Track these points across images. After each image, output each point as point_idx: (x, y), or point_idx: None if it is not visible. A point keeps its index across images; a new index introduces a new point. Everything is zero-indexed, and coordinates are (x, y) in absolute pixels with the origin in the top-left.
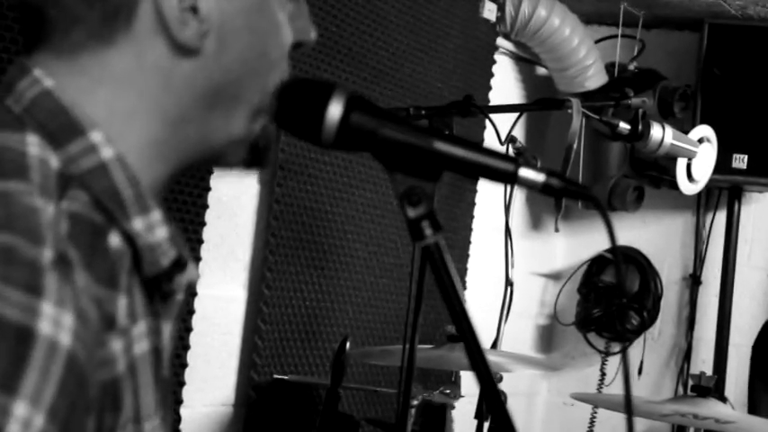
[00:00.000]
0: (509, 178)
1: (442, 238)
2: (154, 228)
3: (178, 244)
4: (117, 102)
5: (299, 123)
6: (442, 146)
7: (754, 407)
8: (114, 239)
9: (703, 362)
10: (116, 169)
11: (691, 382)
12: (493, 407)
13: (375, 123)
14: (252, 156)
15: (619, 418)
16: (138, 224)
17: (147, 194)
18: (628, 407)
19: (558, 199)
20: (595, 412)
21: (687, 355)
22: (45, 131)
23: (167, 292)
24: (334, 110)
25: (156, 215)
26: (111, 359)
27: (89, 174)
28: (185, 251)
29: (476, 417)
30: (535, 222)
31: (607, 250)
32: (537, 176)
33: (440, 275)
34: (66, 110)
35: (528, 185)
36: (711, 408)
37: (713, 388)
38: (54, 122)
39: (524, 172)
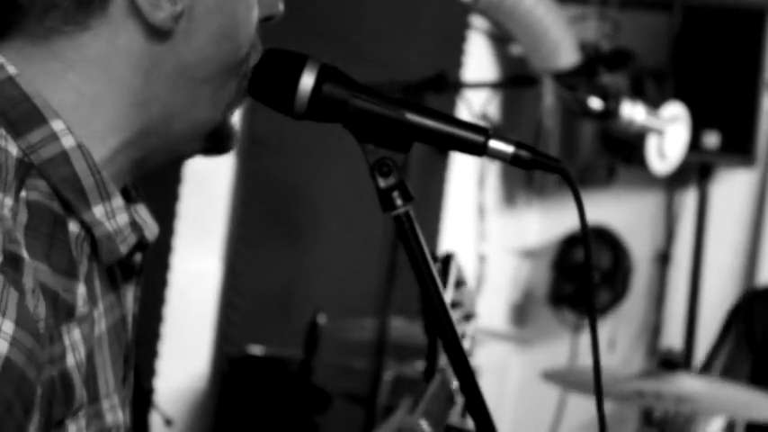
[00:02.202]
0: (479, 149)
1: (413, 209)
2: (115, 214)
3: (141, 227)
4: (86, 85)
5: (272, 94)
6: (412, 117)
7: (709, 368)
8: (74, 228)
9: (673, 337)
10: (77, 158)
11: (659, 357)
12: (463, 381)
13: (346, 94)
14: (212, 143)
15: (591, 389)
16: (98, 211)
17: (110, 181)
18: (597, 385)
19: (528, 171)
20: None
21: (657, 331)
22: (6, 119)
23: (128, 264)
24: (307, 80)
25: (118, 201)
26: (62, 353)
27: (49, 163)
28: (151, 229)
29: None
30: (509, 199)
31: (580, 225)
32: (506, 148)
33: (410, 245)
34: (29, 97)
35: (498, 157)
36: (677, 382)
37: (682, 362)
38: (15, 111)
39: (494, 143)
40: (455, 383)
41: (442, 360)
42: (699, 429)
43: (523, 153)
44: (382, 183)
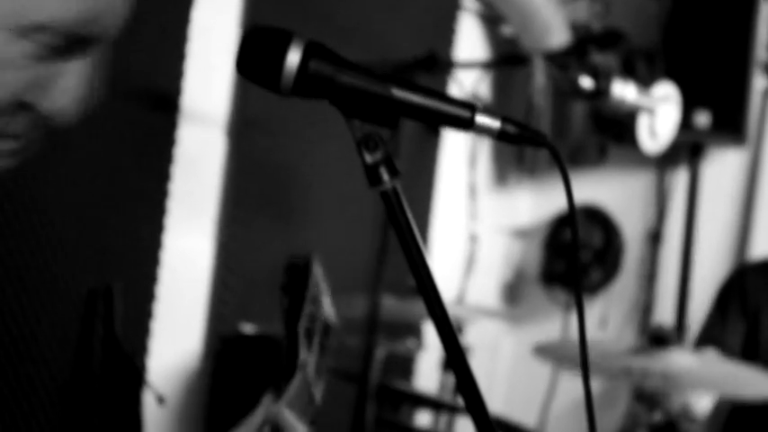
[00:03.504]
0: (466, 124)
1: (400, 185)
2: None
3: None
4: None
5: (259, 70)
6: (399, 92)
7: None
8: None
9: (664, 315)
10: None
11: (650, 333)
12: (452, 356)
13: (333, 70)
14: None
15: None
16: None
17: None
18: (584, 365)
19: (519, 150)
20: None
21: (648, 309)
22: None
23: None
24: (293, 57)
25: None
26: None
27: None
28: None
29: (444, 368)
30: (500, 179)
31: (566, 197)
32: (493, 123)
33: (397, 221)
34: None
35: (485, 132)
36: (667, 358)
37: (673, 339)
38: None
39: (481, 118)
40: (317, 390)
41: (303, 356)
42: (689, 405)
43: (510, 128)
44: (369, 158)
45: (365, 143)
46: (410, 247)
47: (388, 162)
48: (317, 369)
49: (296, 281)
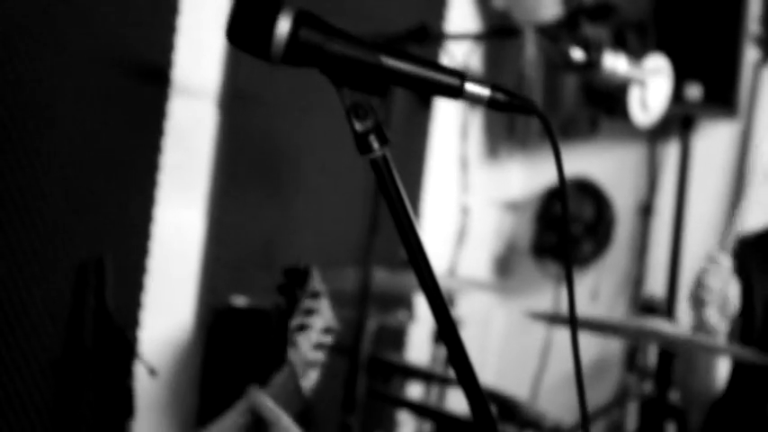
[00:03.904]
0: (455, 92)
1: (390, 153)
2: None
3: None
4: None
5: (249, 39)
6: (388, 61)
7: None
8: None
9: (655, 287)
10: None
11: (641, 303)
12: (443, 328)
13: (322, 39)
14: None
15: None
16: None
17: None
18: (573, 334)
19: (510, 123)
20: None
21: (639, 281)
22: None
23: None
24: (283, 25)
25: None
26: None
27: None
28: None
29: (436, 340)
30: (492, 151)
31: (555, 165)
32: (482, 90)
33: (387, 190)
34: None
35: (474, 100)
36: (657, 324)
37: (664, 311)
38: None
39: (470, 86)
40: (307, 380)
41: (292, 354)
42: (710, 368)
43: (500, 96)
44: (359, 126)
45: (355, 111)
46: (401, 217)
47: (378, 130)
48: (310, 364)
49: (293, 282)
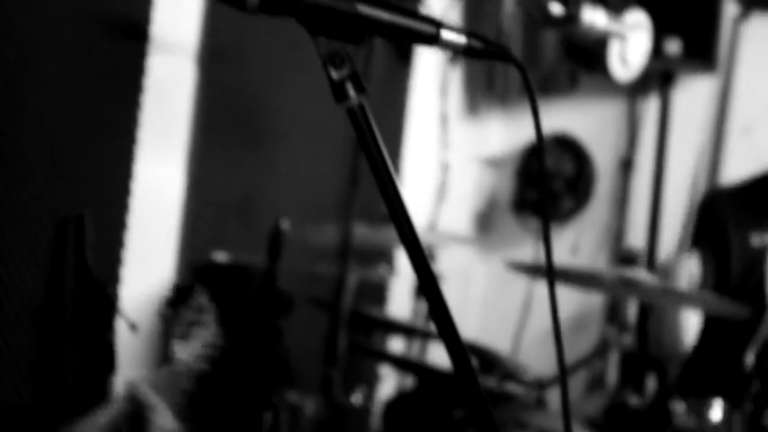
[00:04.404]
0: (431, 40)
1: (367, 101)
2: None
3: None
4: None
5: None
6: (364, 9)
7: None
8: None
9: (636, 241)
10: None
11: (620, 255)
12: (424, 282)
13: None
14: None
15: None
16: None
17: None
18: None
19: (490, 78)
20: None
21: (620, 235)
22: None
23: None
24: None
25: None
26: None
27: None
28: None
29: (417, 294)
30: (472, 108)
31: (532, 117)
32: (458, 38)
33: (364, 139)
34: None
35: (451, 47)
36: (636, 275)
37: (645, 263)
38: None
39: (446, 33)
40: (184, 382)
41: (181, 354)
42: (680, 326)
43: (476, 43)
44: (335, 74)
45: (331, 60)
46: (380, 170)
47: (355, 78)
48: (189, 369)
49: (180, 298)
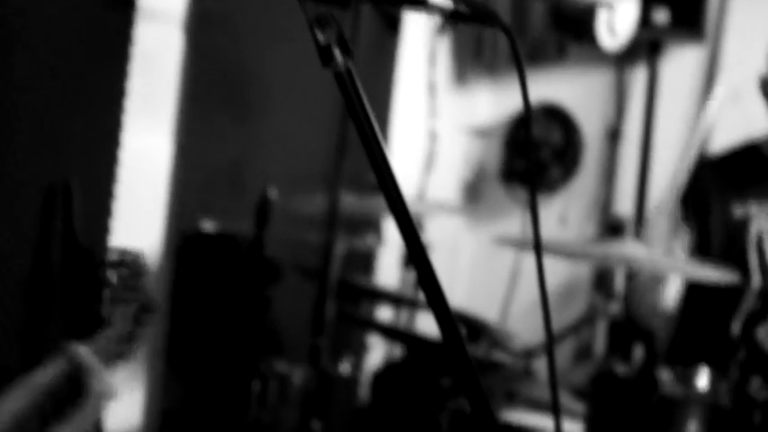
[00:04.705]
0: (417, 3)
1: (355, 66)
2: None
3: None
4: None
5: None
6: None
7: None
8: None
9: (624, 211)
10: None
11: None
12: (413, 251)
13: None
14: None
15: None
16: None
17: None
18: (538, 257)
19: (478, 47)
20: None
21: (608, 205)
22: None
23: None
24: None
25: None
26: None
27: None
28: None
29: (405, 264)
30: (460, 77)
31: (519, 83)
32: (445, 2)
33: (351, 102)
34: None
35: (437, 11)
36: (623, 247)
37: (633, 233)
38: None
39: None
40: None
41: (116, 318)
42: (657, 293)
43: (462, 7)
44: (322, 38)
45: (318, 23)
46: (368, 136)
47: (341, 42)
48: (129, 336)
49: (118, 261)
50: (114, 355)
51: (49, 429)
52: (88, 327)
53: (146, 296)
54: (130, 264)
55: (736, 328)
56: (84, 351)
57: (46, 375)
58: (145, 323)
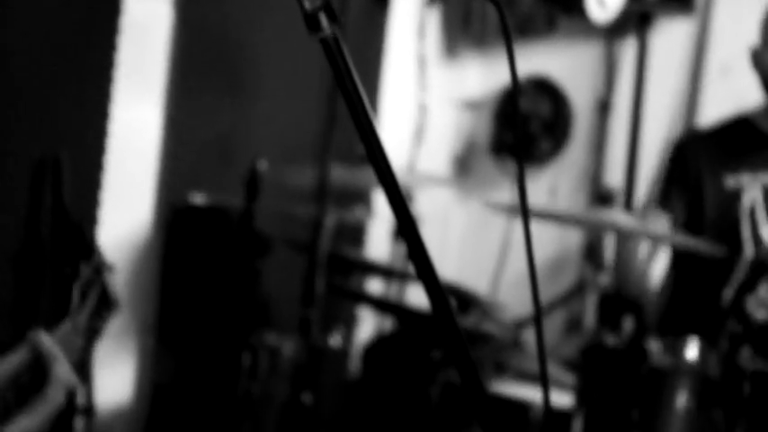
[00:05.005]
0: None
1: (339, 31)
2: None
3: None
4: None
5: None
6: None
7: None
8: None
9: (614, 183)
10: None
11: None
12: (403, 223)
13: None
14: None
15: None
16: None
17: None
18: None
19: (466, 18)
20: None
21: (598, 177)
22: None
23: None
24: None
25: None
26: None
27: None
28: None
29: (395, 237)
30: (450, 50)
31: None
32: None
33: (338, 68)
34: None
35: None
36: (613, 215)
37: (623, 203)
38: None
39: None
40: (87, 344)
41: (79, 311)
42: (644, 265)
43: None
44: (308, 5)
45: None
46: (356, 105)
47: (328, 8)
48: (89, 327)
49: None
50: (76, 348)
51: (11, 418)
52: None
53: (107, 293)
54: (94, 260)
55: (727, 296)
56: (47, 340)
57: (8, 364)
58: (105, 319)
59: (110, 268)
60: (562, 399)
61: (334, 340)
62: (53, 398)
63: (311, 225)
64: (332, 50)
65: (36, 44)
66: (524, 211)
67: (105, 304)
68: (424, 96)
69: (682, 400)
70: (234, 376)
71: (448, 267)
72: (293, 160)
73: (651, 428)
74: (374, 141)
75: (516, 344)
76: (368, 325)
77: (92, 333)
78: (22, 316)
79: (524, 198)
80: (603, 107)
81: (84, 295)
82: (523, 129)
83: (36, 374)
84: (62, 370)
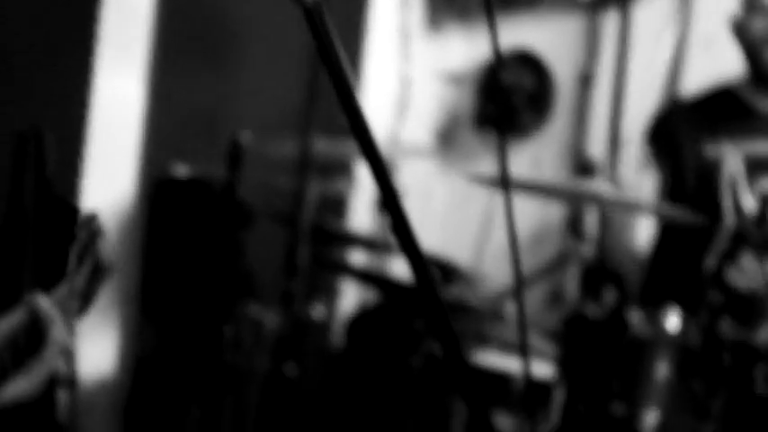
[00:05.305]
0: None
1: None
2: None
3: None
4: None
5: None
6: None
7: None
8: None
9: (597, 155)
10: None
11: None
12: (385, 195)
13: None
14: None
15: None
16: None
17: None
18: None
19: None
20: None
21: (581, 150)
22: None
23: None
24: None
25: None
26: None
27: None
28: None
29: (378, 208)
30: (433, 22)
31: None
32: None
33: (320, 39)
34: None
35: None
36: (595, 185)
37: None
38: None
39: None
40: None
41: (77, 275)
42: (628, 234)
43: None
44: None
45: None
46: (337, 74)
47: None
48: (84, 295)
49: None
50: (72, 311)
51: (8, 379)
52: (62, 272)
53: (101, 257)
54: (88, 224)
55: (708, 266)
56: (44, 302)
57: (5, 325)
58: (99, 284)
59: (103, 233)
60: (543, 369)
61: (317, 312)
62: (49, 359)
63: (294, 196)
64: (315, 20)
65: (17, 16)
66: (506, 184)
67: (99, 269)
68: (407, 68)
69: (662, 370)
70: (216, 348)
71: (430, 239)
72: (276, 132)
73: (632, 398)
74: (357, 113)
75: (498, 315)
76: (350, 296)
77: (87, 297)
78: (4, 290)
79: (506, 170)
80: (586, 80)
81: (80, 259)
82: (506, 101)
83: (33, 336)
84: (58, 332)
